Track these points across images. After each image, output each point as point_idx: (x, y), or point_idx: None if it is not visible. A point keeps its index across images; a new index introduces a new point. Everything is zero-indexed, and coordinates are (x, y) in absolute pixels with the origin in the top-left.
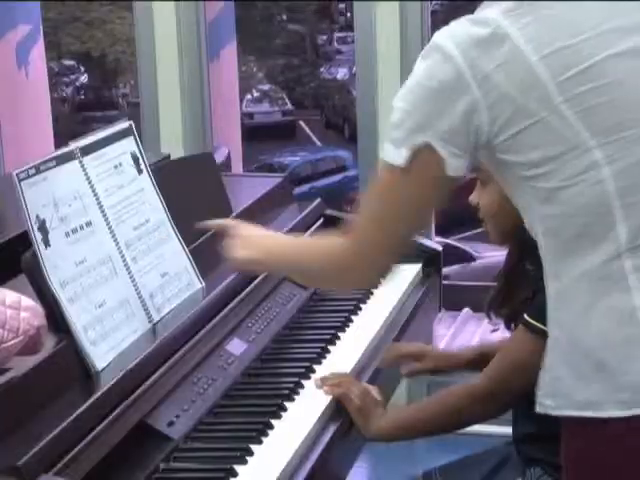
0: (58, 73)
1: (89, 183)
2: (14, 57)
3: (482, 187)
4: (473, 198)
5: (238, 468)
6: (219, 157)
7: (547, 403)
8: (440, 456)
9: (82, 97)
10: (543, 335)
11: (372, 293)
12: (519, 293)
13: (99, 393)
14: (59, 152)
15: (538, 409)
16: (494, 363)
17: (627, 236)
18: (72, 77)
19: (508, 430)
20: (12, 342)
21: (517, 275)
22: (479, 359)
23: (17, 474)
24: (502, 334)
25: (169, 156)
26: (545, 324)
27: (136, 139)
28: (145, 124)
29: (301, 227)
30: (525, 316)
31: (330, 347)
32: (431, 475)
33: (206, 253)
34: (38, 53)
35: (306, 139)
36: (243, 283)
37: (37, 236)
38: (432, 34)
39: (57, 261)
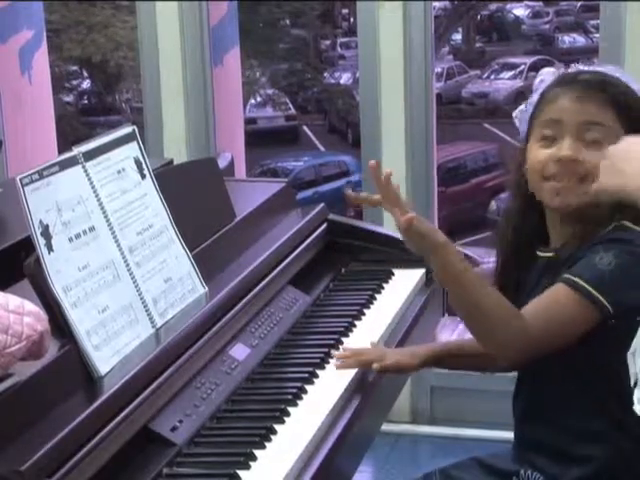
0: (61, 78)
1: (92, 188)
2: (17, 62)
3: (586, 146)
4: (571, 152)
5: (241, 473)
6: (222, 162)
7: None
8: (443, 461)
9: (85, 102)
10: (584, 293)
11: (375, 298)
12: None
13: (102, 398)
14: (62, 157)
15: None
16: (537, 313)
17: None
18: (74, 83)
19: (507, 435)
20: (15, 347)
21: (527, 260)
22: (444, 355)
23: (20, 479)
24: None
25: (172, 161)
26: (589, 283)
27: (139, 144)
28: (148, 129)
29: (304, 232)
30: (569, 276)
31: (333, 352)
32: (431, 476)
33: (209, 258)
34: (41, 58)
35: (309, 144)
36: (246, 288)
37: (40, 241)
38: (435, 38)
39: (60, 266)
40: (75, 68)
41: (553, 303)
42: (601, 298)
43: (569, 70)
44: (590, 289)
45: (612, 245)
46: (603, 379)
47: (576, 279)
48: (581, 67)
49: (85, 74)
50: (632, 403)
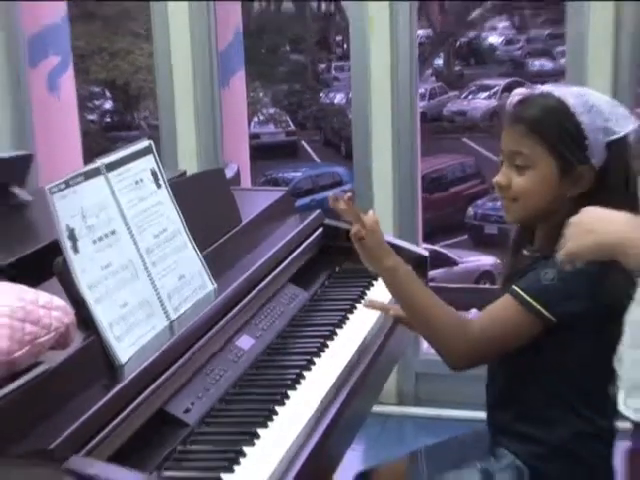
0: (85, 99)
1: (113, 196)
2: (46, 84)
3: (517, 171)
4: (501, 178)
5: (247, 449)
6: (229, 173)
7: None
8: (426, 439)
9: (108, 120)
10: (528, 307)
11: (366, 294)
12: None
13: (123, 384)
14: (87, 168)
15: None
16: (483, 327)
17: None
18: (97, 103)
19: (484, 415)
20: (45, 338)
21: (517, 259)
22: None
23: (50, 456)
24: None
25: (185, 172)
26: (533, 298)
27: (155, 157)
28: (164, 143)
29: (303, 235)
30: (515, 287)
31: (328, 342)
32: (417, 454)
33: (218, 258)
34: (68, 81)
35: (307, 157)
36: (251, 285)
37: (67, 243)
38: (419, 63)
39: (85, 266)
40: (98, 89)
41: (500, 313)
42: (542, 310)
43: (519, 97)
44: (532, 302)
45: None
46: (557, 374)
47: (521, 292)
48: (537, 90)
49: (108, 95)
50: (589, 394)
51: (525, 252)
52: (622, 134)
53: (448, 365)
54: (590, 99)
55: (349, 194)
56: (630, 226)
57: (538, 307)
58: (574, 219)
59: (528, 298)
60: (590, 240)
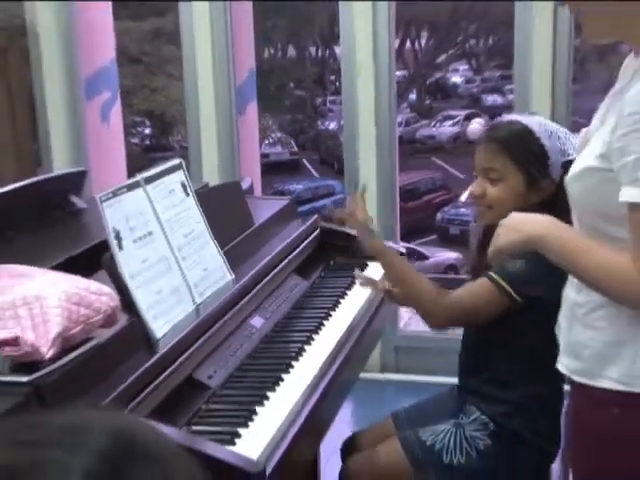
0: (131, 126)
1: (150, 204)
2: (99, 115)
3: (491, 183)
4: (477, 189)
5: (258, 409)
6: (244, 185)
7: None
8: (405, 400)
9: (147, 143)
10: (500, 288)
11: (355, 283)
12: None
13: (158, 355)
14: (129, 181)
15: None
16: (461, 297)
17: None
18: (139, 129)
19: (452, 380)
20: (95, 318)
21: (483, 256)
22: None
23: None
24: None
25: (208, 184)
26: (505, 280)
27: (184, 172)
28: (191, 161)
29: (303, 235)
30: (491, 273)
31: (325, 322)
32: (397, 413)
33: (235, 254)
34: (117, 112)
35: (307, 172)
36: (262, 275)
37: (113, 242)
38: (397, 97)
39: (128, 260)
40: (140, 119)
41: (477, 289)
42: (511, 290)
43: (491, 122)
44: (504, 284)
45: (525, 254)
46: (520, 347)
47: (495, 276)
48: (506, 118)
49: (147, 123)
50: (543, 362)
51: None
52: (574, 156)
53: (427, 324)
54: (549, 127)
55: (365, 192)
56: (552, 224)
57: (508, 288)
58: (503, 221)
59: (501, 281)
60: (517, 237)
